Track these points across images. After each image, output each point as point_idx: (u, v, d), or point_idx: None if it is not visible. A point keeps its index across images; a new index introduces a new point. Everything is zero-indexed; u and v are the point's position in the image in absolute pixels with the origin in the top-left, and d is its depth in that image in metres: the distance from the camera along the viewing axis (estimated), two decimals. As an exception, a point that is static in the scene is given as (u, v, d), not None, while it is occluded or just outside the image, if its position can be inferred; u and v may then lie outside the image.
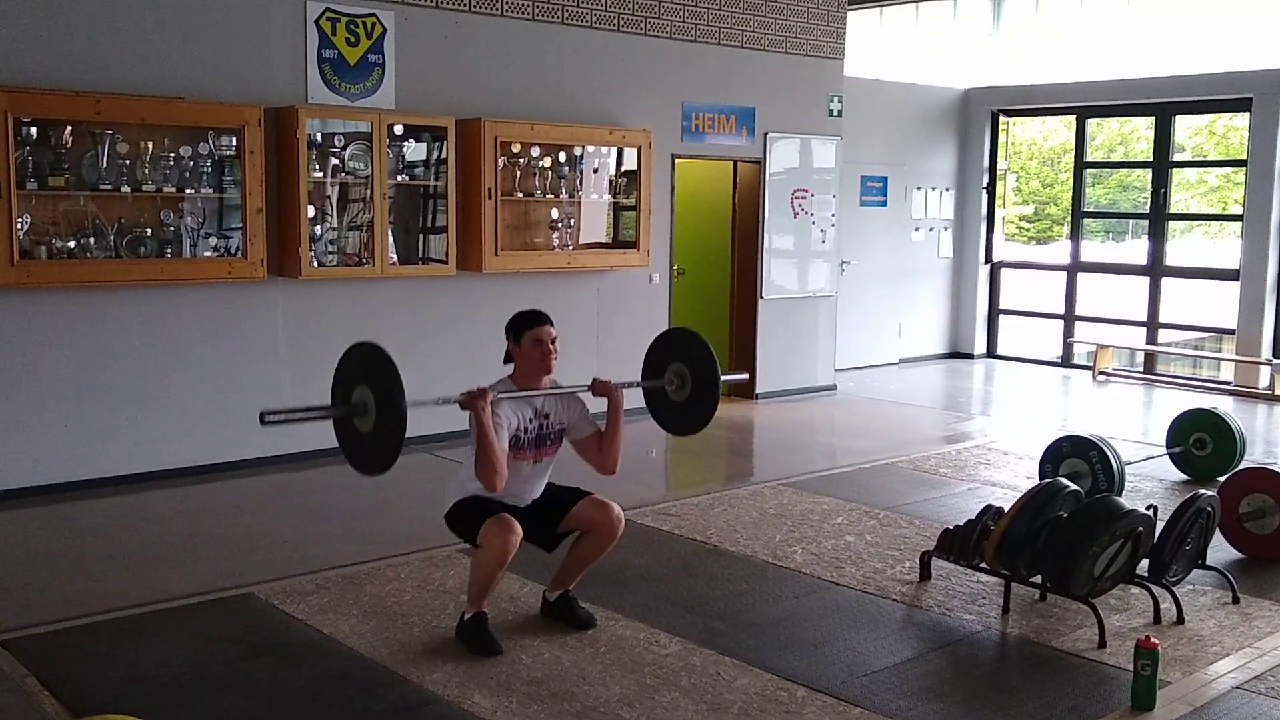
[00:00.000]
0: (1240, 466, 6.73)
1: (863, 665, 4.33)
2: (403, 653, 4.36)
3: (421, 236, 8.03)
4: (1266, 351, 10.92)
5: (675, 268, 9.56)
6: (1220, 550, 5.55)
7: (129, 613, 4.76)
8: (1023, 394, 11.09)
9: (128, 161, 6.59)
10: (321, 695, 4.02)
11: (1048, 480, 5.20)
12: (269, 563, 5.44)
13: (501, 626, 4.56)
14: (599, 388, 4.53)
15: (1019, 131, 14.60)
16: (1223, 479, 6.12)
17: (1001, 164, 13.03)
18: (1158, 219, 11.82)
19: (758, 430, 9.19)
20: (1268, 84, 10.75)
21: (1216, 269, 11.72)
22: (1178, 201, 12.48)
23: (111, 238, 6.59)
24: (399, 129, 7.57)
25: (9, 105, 6.07)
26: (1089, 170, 12.82)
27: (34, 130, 6.27)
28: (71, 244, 6.47)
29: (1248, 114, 11.05)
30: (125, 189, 6.59)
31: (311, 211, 7.19)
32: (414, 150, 7.82)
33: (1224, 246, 12.37)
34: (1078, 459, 6.46)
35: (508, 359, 4.52)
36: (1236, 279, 11.12)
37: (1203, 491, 5.08)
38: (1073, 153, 12.77)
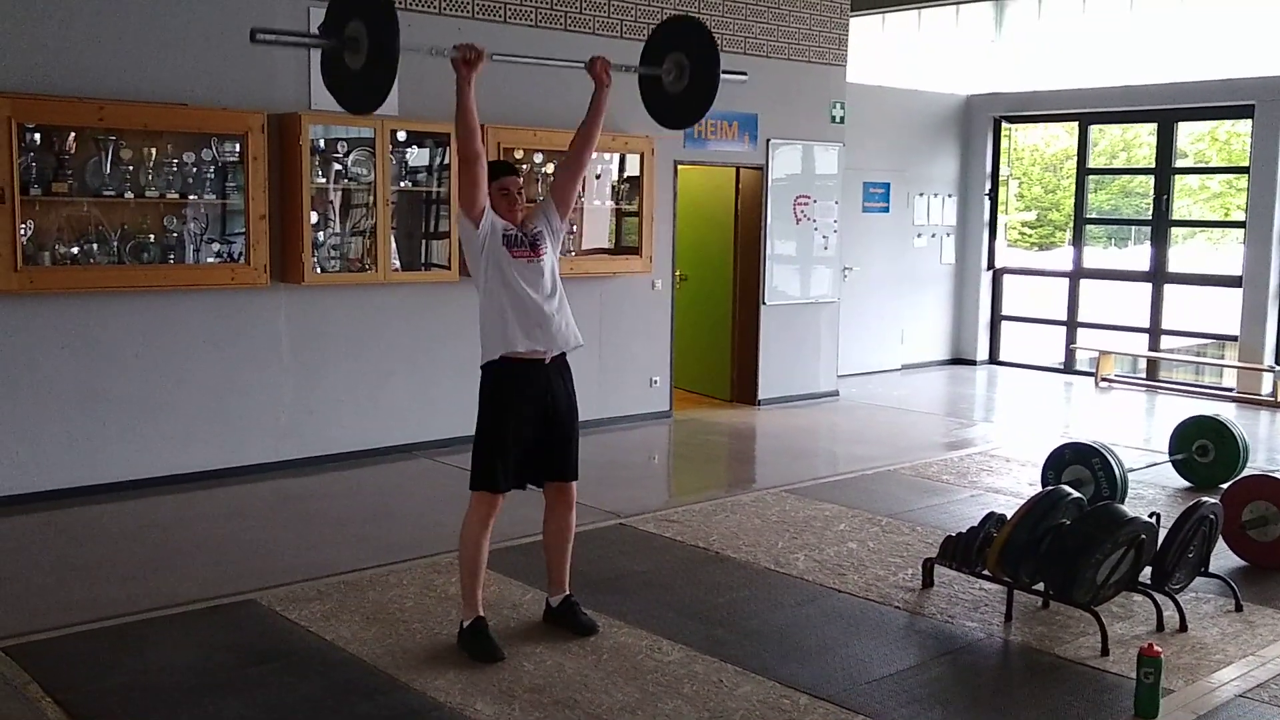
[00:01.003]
0: (1243, 474, 6.71)
1: (865, 673, 4.32)
2: (405, 659, 4.36)
3: (424, 242, 8.04)
4: (1269, 358, 10.91)
5: (678, 274, 9.56)
6: (1223, 558, 5.55)
7: (131, 619, 4.76)
8: (1025, 400, 11.08)
9: (131, 167, 6.60)
10: (323, 702, 4.02)
11: (1050, 487, 5.20)
12: (271, 569, 5.43)
13: (504, 633, 4.56)
14: (598, 65, 4.64)
15: (1021, 138, 14.59)
16: (1225, 486, 6.11)
17: (1004, 170, 13.04)
18: (1160, 225, 11.81)
19: (760, 437, 9.18)
20: (1270, 91, 10.75)
21: (1219, 275, 11.71)
22: (1180, 208, 12.47)
23: (115, 244, 6.60)
24: (402, 135, 7.57)
25: (13, 111, 6.08)
26: (1091, 176, 12.82)
27: (38, 136, 6.28)
28: (75, 250, 6.48)
29: (1250, 121, 11.05)
30: (128, 195, 6.60)
31: (314, 217, 7.20)
32: (417, 156, 7.83)
33: (1226, 253, 12.36)
34: (1080, 466, 6.45)
35: None
36: (1239, 285, 11.11)
37: (1205, 499, 5.08)
38: (1075, 159, 12.77)
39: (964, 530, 5.19)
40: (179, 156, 6.75)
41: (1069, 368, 12.56)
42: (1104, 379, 11.76)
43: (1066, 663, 4.46)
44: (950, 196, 12.89)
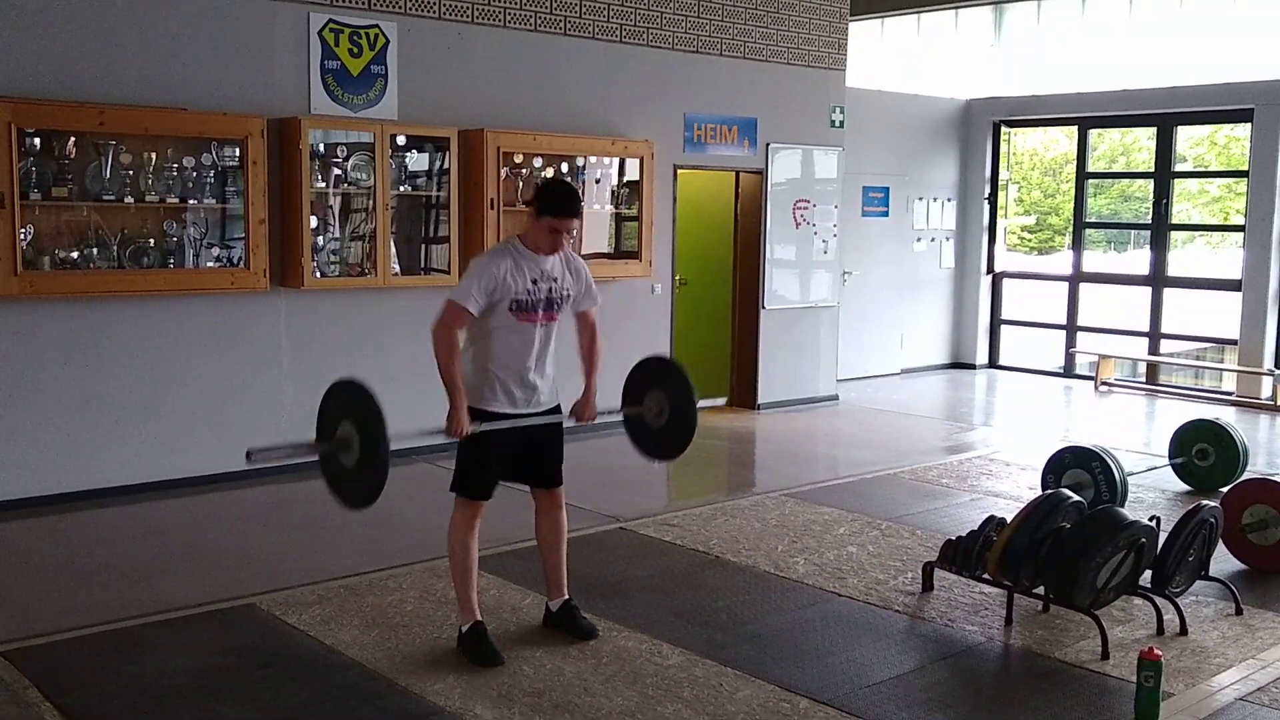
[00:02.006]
0: (1243, 477, 6.71)
1: (865, 676, 4.32)
2: (405, 664, 4.36)
3: (424, 247, 8.04)
4: (1269, 362, 10.91)
5: (677, 278, 9.56)
6: (1223, 561, 5.54)
7: (131, 623, 4.75)
8: (1025, 404, 11.08)
9: (131, 172, 6.60)
10: (323, 707, 4.02)
11: (1050, 491, 5.21)
12: (271, 573, 5.43)
13: (503, 637, 4.56)
14: (585, 416, 4.60)
15: (1020, 142, 14.61)
16: (1225, 490, 6.11)
17: (1003, 174, 13.04)
18: (1159, 229, 11.82)
19: (760, 441, 9.18)
20: (1269, 95, 10.76)
21: (1218, 279, 11.71)
22: (1179, 212, 12.48)
23: (114, 248, 6.60)
24: (401, 139, 7.58)
25: (13, 116, 6.09)
26: (1091, 181, 12.83)
27: (37, 141, 6.29)
28: (74, 254, 6.48)
29: (1249, 125, 11.06)
30: (128, 199, 6.60)
31: (314, 222, 7.20)
32: (416, 161, 7.83)
33: (1226, 257, 12.37)
34: (1080, 470, 6.44)
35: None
36: (1238, 289, 11.12)
37: (1205, 503, 5.07)
38: (1074, 163, 12.78)
39: (964, 534, 5.19)
40: (179, 161, 6.75)
41: (1068, 372, 12.57)
42: (1103, 383, 11.76)
43: (1067, 666, 4.46)
44: (950, 201, 12.89)
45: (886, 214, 12.16)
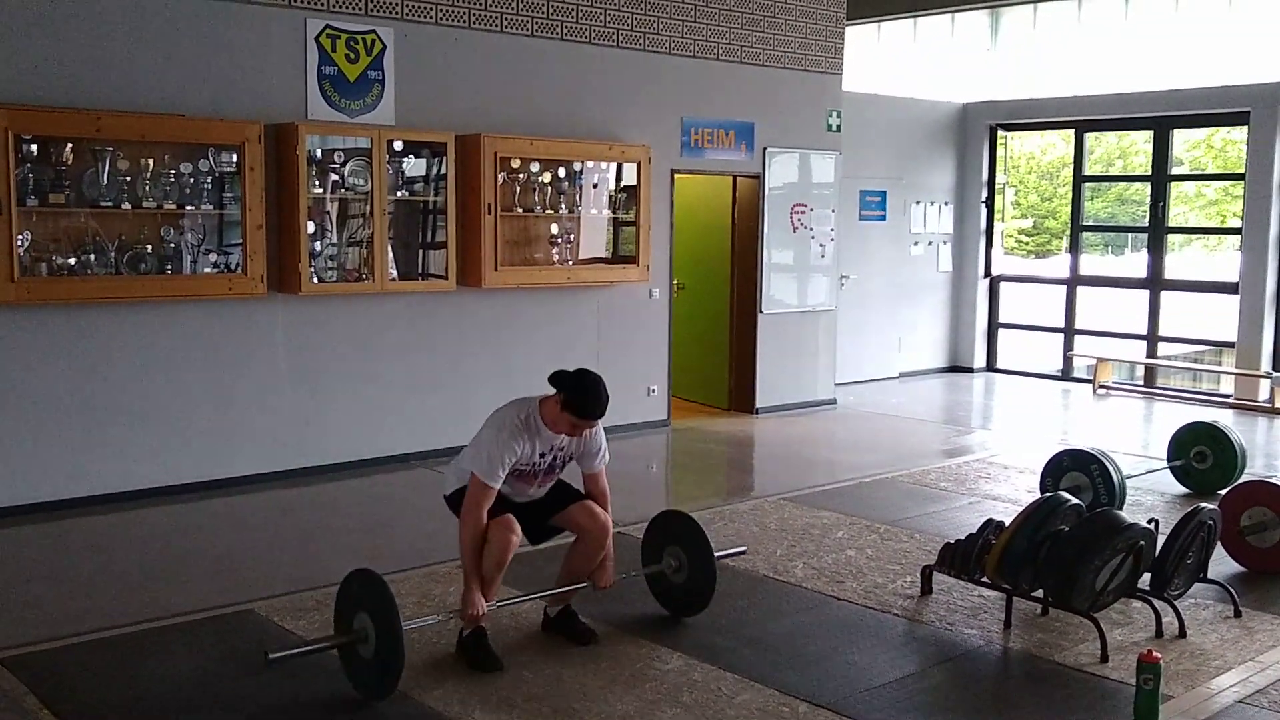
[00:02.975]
0: (1241, 480, 6.72)
1: (864, 680, 4.32)
2: (404, 669, 4.34)
3: (421, 252, 8.04)
4: (1266, 364, 10.91)
5: (675, 283, 9.57)
6: (1221, 564, 5.54)
7: (128, 630, 4.75)
8: (1023, 408, 11.08)
9: (128, 178, 6.60)
10: (322, 712, 4.01)
11: (1049, 494, 5.21)
12: (269, 579, 5.43)
13: (502, 642, 4.55)
14: (602, 582, 4.60)
15: (1017, 145, 14.63)
16: (1223, 492, 6.12)
17: (1000, 178, 13.06)
18: (1156, 232, 11.83)
19: (758, 445, 9.18)
20: (1265, 98, 10.78)
21: (1216, 282, 11.73)
22: (1176, 215, 12.49)
23: (112, 254, 6.60)
24: (398, 145, 7.58)
25: (10, 122, 6.08)
26: (1088, 184, 12.85)
27: (34, 147, 6.28)
28: (72, 261, 6.48)
29: (1245, 127, 11.07)
30: (126, 205, 6.60)
31: (311, 227, 7.20)
32: (413, 166, 7.83)
33: (1223, 260, 12.39)
34: (1078, 473, 6.45)
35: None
36: (1236, 292, 11.13)
37: (1204, 505, 5.07)
38: (1071, 166, 12.79)
39: (963, 537, 5.18)
40: (176, 167, 6.75)
41: (1066, 375, 12.58)
42: (1101, 386, 11.77)
43: (1066, 669, 4.46)
44: (947, 204, 12.90)
45: (884, 218, 12.16)
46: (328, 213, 7.44)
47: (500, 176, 7.94)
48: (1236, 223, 11.47)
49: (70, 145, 6.41)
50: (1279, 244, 10.88)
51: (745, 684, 4.25)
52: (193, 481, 7.02)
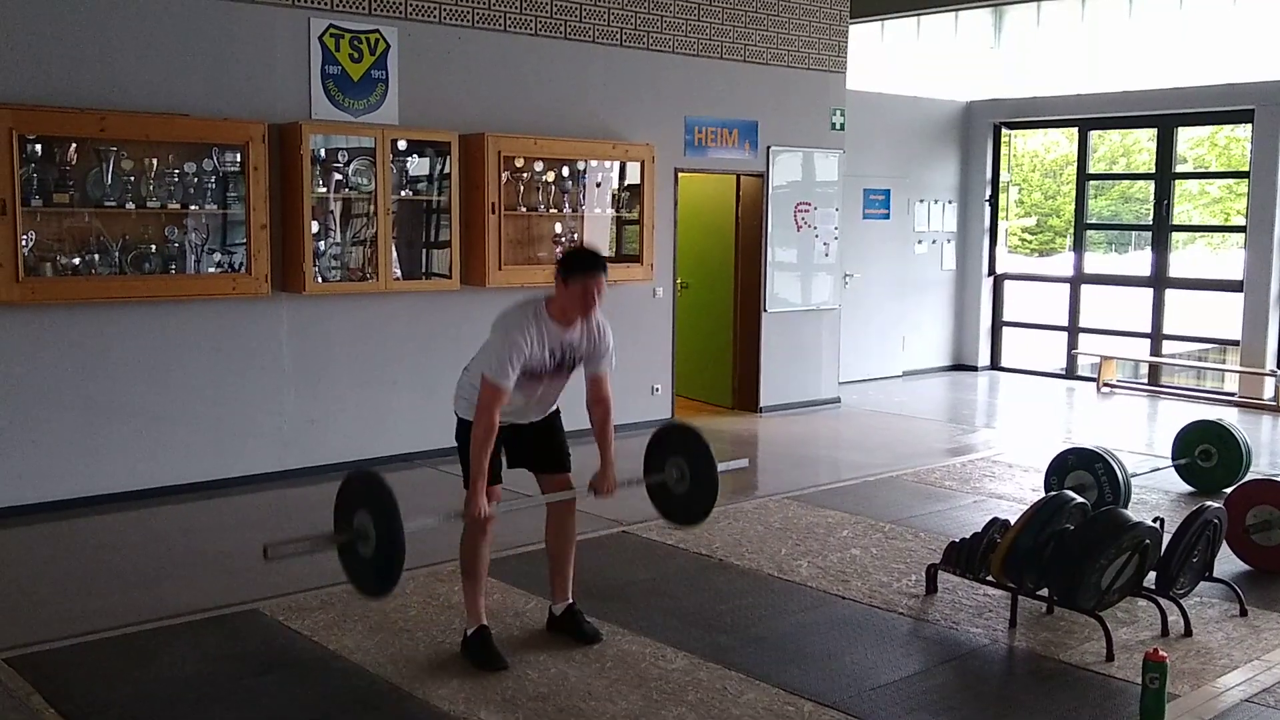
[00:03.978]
0: (1246, 478, 6.70)
1: (869, 679, 4.32)
2: (408, 668, 4.35)
3: (425, 251, 8.04)
4: (1271, 363, 10.90)
5: (679, 281, 9.56)
6: (1227, 562, 5.54)
7: (134, 629, 4.75)
8: (1027, 406, 11.07)
9: (132, 178, 6.61)
10: (327, 712, 4.02)
11: (1053, 493, 5.20)
12: (274, 579, 5.42)
13: (507, 642, 4.55)
14: (605, 488, 4.56)
15: (1021, 144, 14.62)
16: (1229, 491, 6.10)
17: (1004, 176, 13.05)
18: (1160, 230, 11.82)
19: (762, 444, 9.18)
20: (1269, 95, 10.76)
21: (1220, 280, 11.71)
22: (1180, 213, 12.49)
23: (116, 254, 6.60)
24: (402, 144, 7.59)
25: (14, 122, 6.09)
26: (1091, 182, 12.83)
27: (39, 147, 6.29)
28: (76, 260, 6.48)
29: (1249, 125, 11.06)
30: (130, 205, 6.61)
31: (315, 227, 7.21)
32: (417, 165, 7.83)
33: (1227, 258, 12.37)
34: (1083, 471, 6.43)
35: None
36: (1240, 290, 11.11)
37: (1209, 504, 5.07)
38: (1075, 165, 12.79)
39: (967, 536, 5.18)
40: (180, 167, 6.75)
41: (1070, 373, 12.56)
42: (1106, 384, 11.76)
43: (1071, 668, 4.45)
44: (951, 203, 12.89)
45: (887, 216, 12.16)
46: (331, 212, 7.44)
47: (504, 176, 7.94)
48: (1241, 220, 11.45)
49: (74, 145, 6.42)
50: (1283, 242, 10.87)
51: (750, 683, 4.25)
52: (197, 481, 7.02)
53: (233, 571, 5.57)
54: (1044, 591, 4.86)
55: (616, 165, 8.78)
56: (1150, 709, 3.93)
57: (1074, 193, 12.76)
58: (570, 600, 4.71)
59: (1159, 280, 11.80)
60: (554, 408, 4.60)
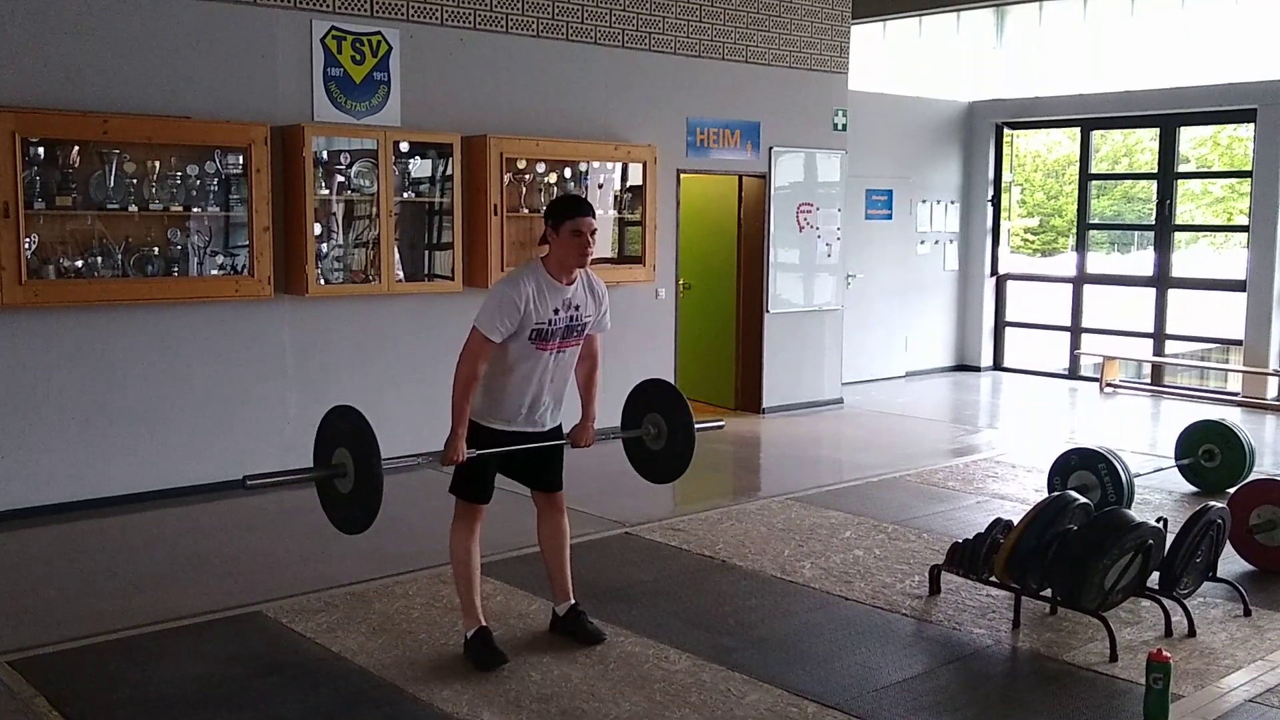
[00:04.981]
0: (1249, 478, 6.70)
1: (873, 680, 4.31)
2: (411, 670, 4.35)
3: (427, 253, 8.05)
4: (1274, 362, 10.89)
5: (681, 282, 9.57)
6: (1231, 562, 5.53)
7: (137, 632, 4.76)
8: (1030, 406, 11.06)
9: (135, 181, 6.61)
10: (330, 714, 4.02)
11: (1057, 493, 5.20)
12: (277, 581, 5.43)
13: (511, 643, 4.55)
14: (583, 440, 4.61)
15: (1023, 144, 14.61)
16: (1232, 491, 6.10)
17: (1006, 176, 13.04)
18: (1163, 230, 11.81)
19: (765, 445, 9.17)
20: (1272, 95, 10.75)
21: (1223, 280, 11.70)
22: (1183, 213, 12.47)
23: (119, 257, 6.61)
24: (404, 146, 7.59)
25: (16, 125, 6.10)
26: (1094, 182, 12.82)
27: (41, 150, 6.29)
28: (79, 263, 6.49)
29: (1252, 125, 11.05)
30: (132, 208, 6.61)
31: (318, 229, 7.21)
32: (419, 167, 7.84)
33: (1230, 257, 12.36)
34: (1086, 471, 6.43)
35: (543, 241, 4.45)
36: (1243, 290, 11.10)
37: (1212, 504, 5.07)
38: (1077, 165, 12.77)
39: (971, 537, 5.18)
40: (182, 169, 6.76)
41: (1073, 373, 12.55)
42: (1109, 384, 11.75)
43: (1075, 669, 4.45)
44: (953, 203, 12.89)
45: (890, 217, 12.15)
46: (334, 214, 7.45)
47: (506, 177, 7.94)
48: (1243, 220, 11.44)
49: (77, 148, 6.43)
50: (1286, 241, 10.86)
51: (754, 684, 4.25)
52: (200, 483, 7.03)
53: (236, 574, 5.58)
54: (1047, 592, 4.85)
55: (619, 166, 8.79)
56: (1154, 710, 3.93)
57: (1076, 193, 12.75)
58: (572, 601, 4.71)
59: (1162, 280, 11.79)
60: (558, 422, 4.60)
